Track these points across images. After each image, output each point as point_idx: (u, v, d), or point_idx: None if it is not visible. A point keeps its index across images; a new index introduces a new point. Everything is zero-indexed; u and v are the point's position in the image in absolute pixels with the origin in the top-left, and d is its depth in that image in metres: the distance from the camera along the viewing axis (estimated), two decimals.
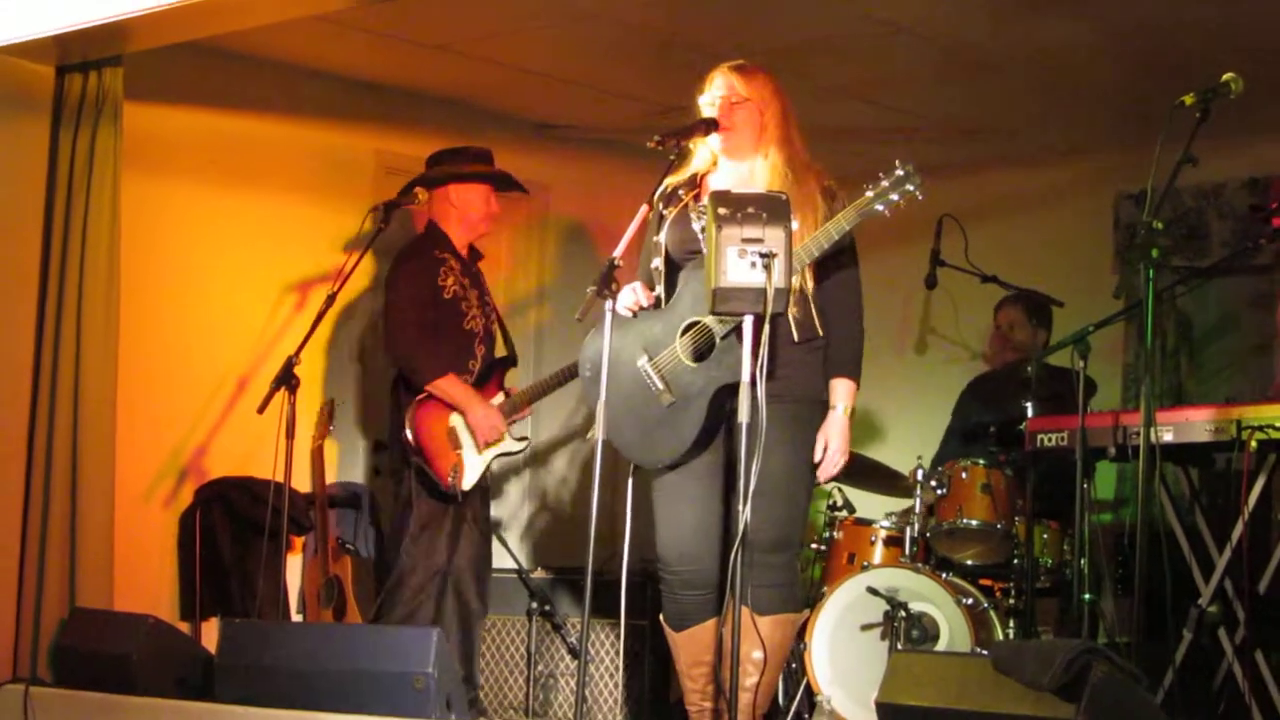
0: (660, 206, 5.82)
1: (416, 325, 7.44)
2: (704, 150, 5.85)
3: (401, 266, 7.60)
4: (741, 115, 5.79)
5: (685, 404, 5.64)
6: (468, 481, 7.31)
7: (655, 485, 5.84)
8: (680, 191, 5.83)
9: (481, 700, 7.51)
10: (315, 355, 7.63)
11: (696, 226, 5.73)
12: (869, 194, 5.48)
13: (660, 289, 5.84)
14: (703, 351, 5.60)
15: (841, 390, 5.77)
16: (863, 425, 8.43)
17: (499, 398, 7.47)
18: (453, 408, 7.37)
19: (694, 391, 5.62)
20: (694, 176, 5.86)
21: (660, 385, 5.68)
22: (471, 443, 7.35)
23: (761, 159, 5.78)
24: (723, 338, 5.57)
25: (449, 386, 7.34)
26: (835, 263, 5.72)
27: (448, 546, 7.39)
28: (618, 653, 7.68)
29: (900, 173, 5.47)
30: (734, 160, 5.83)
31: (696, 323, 5.61)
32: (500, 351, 7.70)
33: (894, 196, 5.48)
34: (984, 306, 8.68)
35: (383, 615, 7.43)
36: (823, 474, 5.77)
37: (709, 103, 5.83)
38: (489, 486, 7.66)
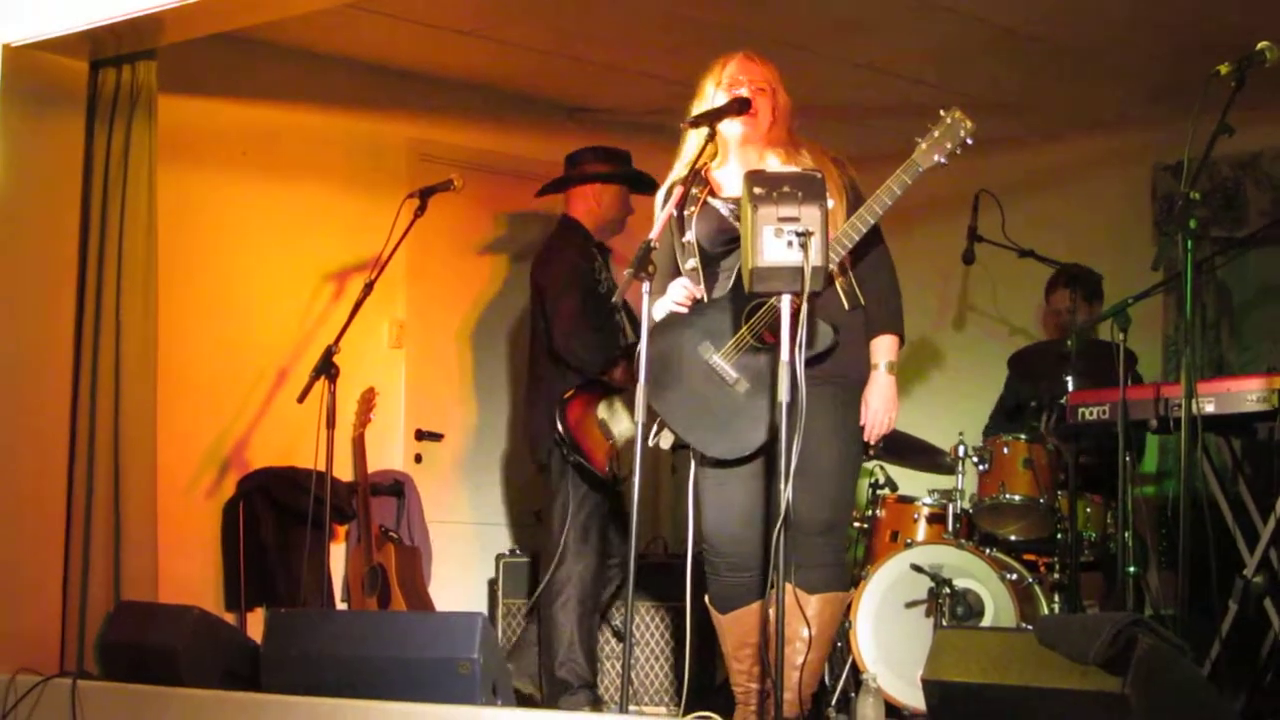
0: (675, 209, 5.79)
1: (584, 317, 7.50)
2: (694, 139, 5.82)
3: (557, 260, 7.65)
4: (763, 102, 5.80)
5: (761, 388, 5.62)
6: (629, 462, 7.35)
7: (703, 471, 5.83)
8: (695, 191, 5.81)
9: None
10: (354, 344, 7.62)
11: (725, 213, 5.73)
12: (922, 146, 5.54)
13: (701, 288, 5.82)
14: (768, 333, 5.56)
15: (883, 347, 5.77)
16: (904, 402, 8.36)
17: None
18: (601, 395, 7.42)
19: (769, 373, 5.55)
20: (696, 172, 5.80)
21: (734, 375, 5.65)
22: (624, 428, 7.34)
23: (769, 149, 5.79)
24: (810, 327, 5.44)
25: (620, 375, 7.39)
26: (865, 238, 5.69)
27: (602, 538, 7.48)
28: (664, 636, 7.70)
29: (949, 120, 5.54)
30: (746, 146, 5.82)
31: (761, 304, 5.58)
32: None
33: (947, 144, 5.55)
34: (1022, 281, 8.67)
35: (540, 607, 7.56)
36: (869, 435, 5.75)
37: (727, 82, 5.82)
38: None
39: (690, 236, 5.81)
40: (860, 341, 5.78)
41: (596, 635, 7.51)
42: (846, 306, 5.67)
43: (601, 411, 7.38)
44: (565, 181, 7.84)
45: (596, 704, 7.31)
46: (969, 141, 5.58)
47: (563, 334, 7.56)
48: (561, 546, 7.43)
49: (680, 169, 5.83)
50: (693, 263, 5.83)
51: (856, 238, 5.55)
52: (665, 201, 5.82)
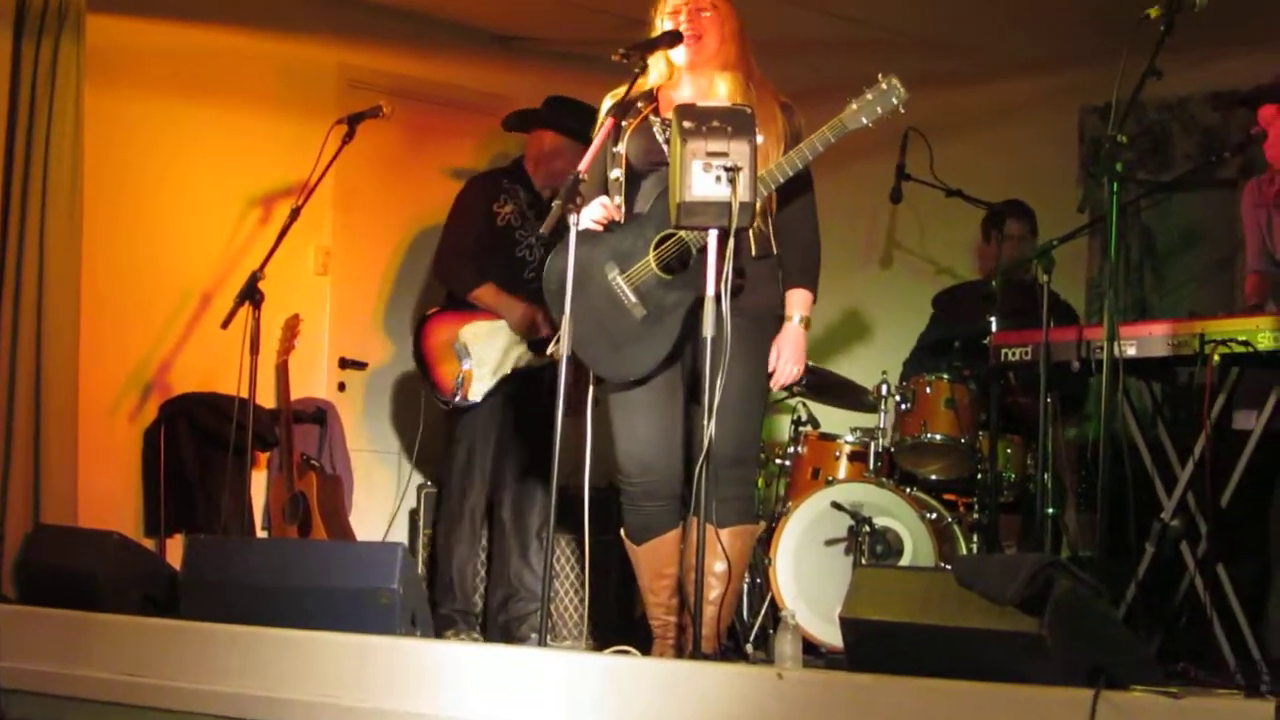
0: (619, 123, 5.79)
1: (459, 241, 7.73)
2: (659, 63, 5.83)
3: (465, 189, 7.94)
4: (705, 25, 5.78)
5: (658, 318, 5.63)
6: (476, 392, 7.37)
7: (613, 399, 5.85)
8: (639, 104, 5.81)
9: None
10: (279, 270, 7.59)
11: (657, 137, 5.73)
12: (853, 106, 5.55)
13: (620, 200, 5.81)
14: (674, 265, 5.59)
15: (797, 300, 5.77)
16: (828, 340, 8.44)
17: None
18: (477, 317, 7.57)
19: (669, 304, 5.61)
20: (650, 91, 5.83)
21: (633, 299, 5.67)
22: (486, 353, 7.40)
23: (719, 73, 5.78)
24: (699, 250, 5.50)
25: (486, 294, 7.58)
26: (791, 182, 5.68)
27: (484, 460, 7.55)
28: (581, 569, 7.72)
29: (884, 86, 5.56)
30: (694, 74, 5.82)
31: (671, 235, 5.58)
32: None
33: (878, 109, 5.55)
34: (950, 221, 8.70)
35: (436, 536, 7.77)
36: (775, 383, 5.77)
37: (670, 12, 5.80)
38: (531, 406, 7.63)
39: (620, 148, 5.81)
40: (767, 283, 5.78)
41: (473, 568, 7.61)
42: (754, 254, 5.66)
43: (466, 336, 7.50)
44: (531, 120, 7.91)
45: (472, 624, 7.49)
46: (901, 110, 5.59)
47: (437, 255, 7.98)
48: (448, 479, 7.54)
49: (608, 101, 5.82)
50: (616, 173, 5.84)
51: (773, 185, 5.54)
52: (598, 130, 5.81)
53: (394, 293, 8.84)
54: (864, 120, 5.55)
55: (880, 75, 5.59)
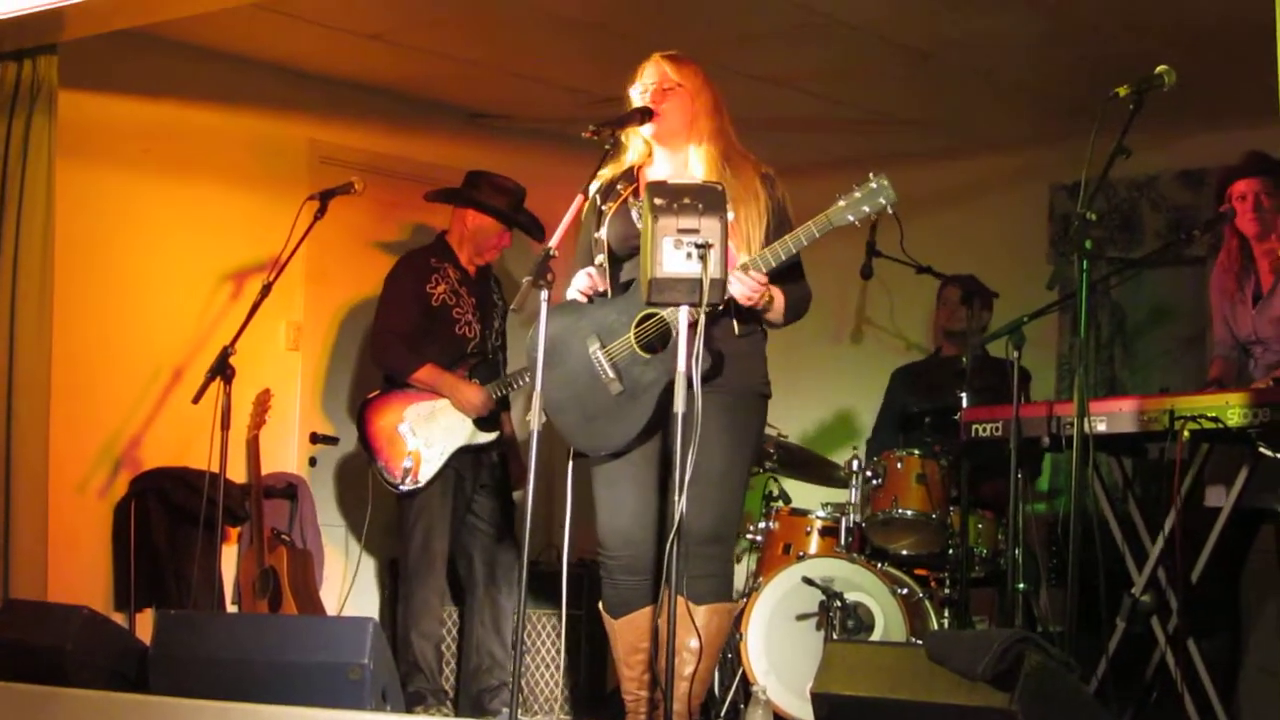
0: (598, 201, 5.83)
1: (393, 325, 7.74)
2: (638, 141, 5.86)
3: (393, 271, 7.92)
4: (673, 101, 5.79)
5: (634, 395, 5.63)
6: (427, 472, 7.39)
7: (595, 471, 5.84)
8: (619, 186, 5.84)
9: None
10: (251, 345, 7.60)
11: (637, 220, 5.74)
12: (840, 204, 5.55)
13: (606, 282, 5.83)
14: (655, 344, 5.61)
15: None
16: (799, 415, 8.44)
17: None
18: (421, 398, 7.60)
19: (645, 383, 5.61)
20: (630, 170, 5.87)
21: (611, 374, 5.68)
22: (432, 434, 7.42)
23: (695, 148, 5.80)
24: (680, 329, 5.50)
25: (426, 375, 7.60)
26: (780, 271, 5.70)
27: (441, 536, 7.56)
28: (556, 643, 7.71)
29: (873, 185, 5.55)
30: (668, 150, 5.84)
31: (653, 314, 5.59)
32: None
33: (865, 208, 5.55)
34: (919, 297, 8.73)
35: (399, 600, 7.76)
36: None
37: (641, 91, 5.84)
38: (492, 480, 7.76)
39: (602, 234, 5.83)
40: (752, 358, 5.78)
41: (436, 640, 7.61)
42: (737, 331, 5.67)
43: (411, 418, 7.57)
44: (452, 198, 7.94)
45: (443, 701, 7.48)
46: (890, 211, 5.60)
47: (372, 340, 8.03)
48: (406, 560, 7.56)
49: (600, 176, 5.86)
50: (600, 258, 5.86)
51: (765, 266, 5.56)
52: (586, 197, 5.85)
53: (366, 368, 8.83)
54: (850, 218, 5.54)
55: (871, 174, 5.57)
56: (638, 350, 5.64)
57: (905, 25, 7.66)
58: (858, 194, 5.55)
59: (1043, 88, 8.27)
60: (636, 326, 5.64)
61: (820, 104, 8.58)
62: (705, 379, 5.21)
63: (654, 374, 5.60)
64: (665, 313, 5.54)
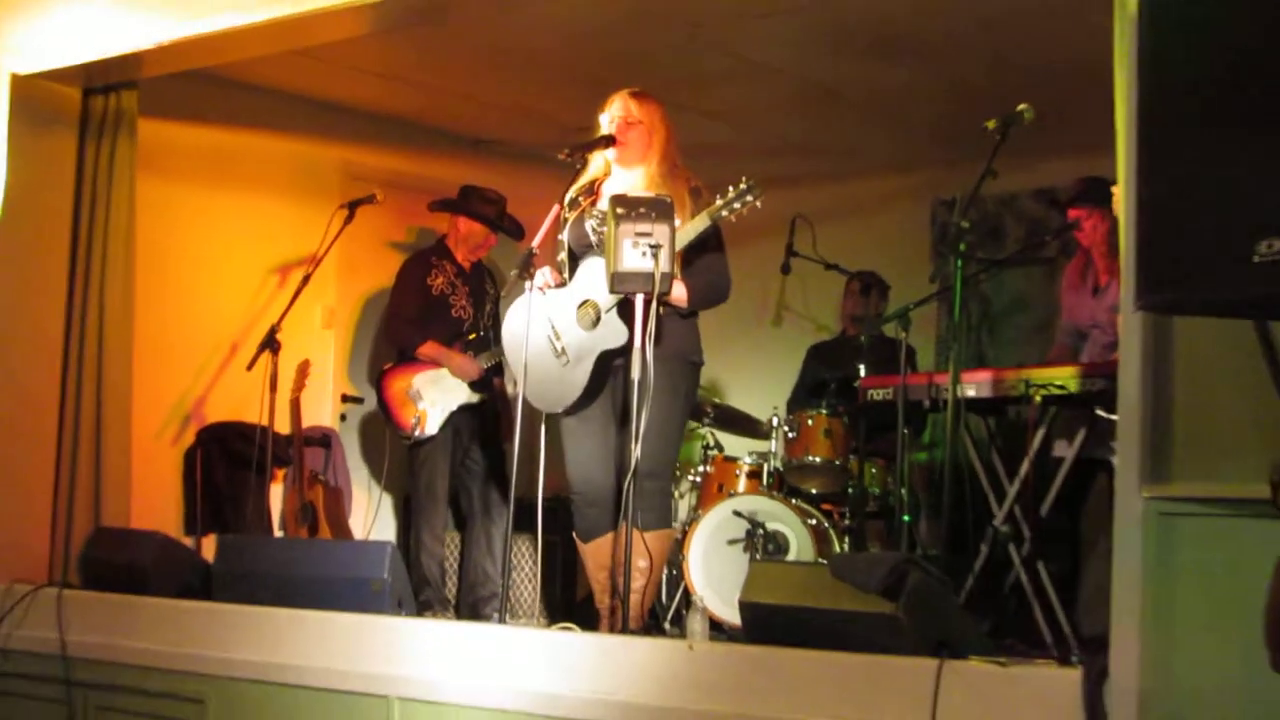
0: (566, 211, 5.88)
1: (403, 310, 7.75)
2: (599, 159, 5.91)
3: (403, 268, 7.91)
4: (634, 133, 5.85)
5: (576, 363, 5.75)
6: (431, 426, 7.40)
7: (562, 425, 5.94)
8: (580, 199, 5.88)
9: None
10: (293, 324, 7.60)
11: (588, 226, 5.81)
12: (719, 202, 5.64)
13: (565, 276, 5.90)
14: (589, 324, 5.70)
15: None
16: (730, 382, 8.45)
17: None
18: (426, 367, 7.57)
19: (584, 353, 5.75)
20: (592, 183, 5.91)
21: (559, 347, 5.76)
22: (436, 396, 7.43)
23: (645, 169, 5.85)
24: (606, 311, 5.68)
25: (429, 350, 7.58)
26: (703, 248, 5.80)
27: (443, 477, 7.57)
28: (536, 563, 7.75)
29: (744, 186, 5.66)
30: (624, 168, 5.89)
31: (587, 300, 5.69)
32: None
33: (736, 205, 5.66)
34: (828, 288, 8.73)
35: (410, 528, 7.75)
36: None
37: (609, 120, 5.87)
38: (484, 432, 7.73)
39: (564, 236, 5.91)
40: (687, 334, 5.86)
41: (440, 559, 7.60)
42: (676, 313, 5.76)
43: (418, 383, 7.55)
44: (450, 207, 7.93)
45: (447, 607, 7.51)
46: (758, 205, 5.67)
47: (385, 323, 8.13)
48: (416, 497, 7.57)
49: (571, 193, 5.90)
50: (561, 255, 5.97)
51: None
52: (561, 208, 5.91)
53: (383, 344, 8.83)
54: (724, 214, 5.66)
55: (743, 177, 5.68)
56: (578, 329, 5.73)
57: (817, 70, 7.67)
58: (731, 193, 5.65)
59: (927, 120, 8.28)
60: (578, 309, 5.73)
61: (747, 133, 8.58)
62: (616, 355, 5.37)
63: (589, 345, 5.73)
64: (595, 298, 5.71)
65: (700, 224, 5.64)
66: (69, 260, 7.10)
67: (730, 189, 5.66)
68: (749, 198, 5.65)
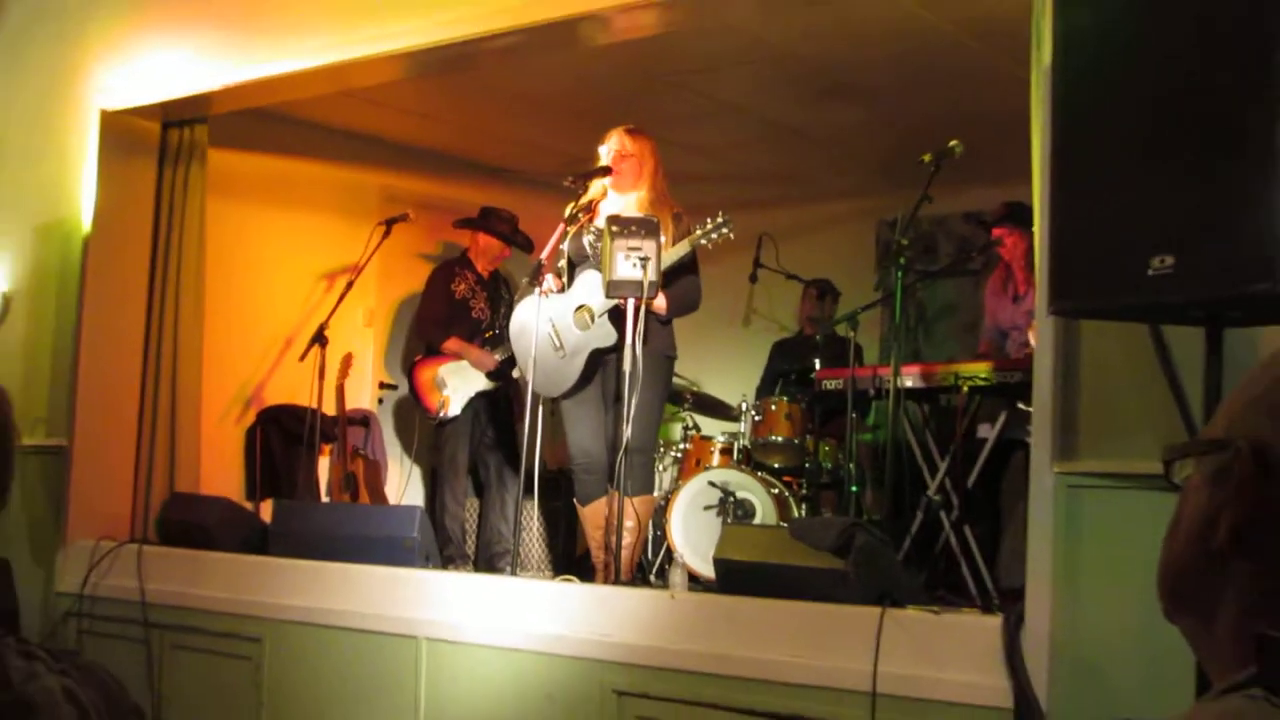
0: (567, 226, 5.92)
1: (431, 312, 7.74)
2: (598, 184, 5.93)
3: (431, 276, 7.91)
4: (627, 165, 5.88)
5: (572, 357, 5.84)
6: (454, 409, 7.41)
7: (564, 408, 6.02)
8: (579, 215, 5.91)
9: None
10: (339, 322, 7.60)
11: (585, 241, 5.87)
12: (698, 232, 5.79)
13: (564, 282, 6.00)
14: (584, 325, 5.77)
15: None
16: (706, 373, 8.44)
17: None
18: (450, 359, 7.55)
19: (578, 349, 5.84)
20: (590, 202, 5.93)
21: (559, 343, 5.82)
22: (458, 384, 7.42)
23: (637, 194, 5.89)
24: (599, 315, 5.76)
25: (452, 345, 7.56)
26: (681, 268, 5.84)
27: (464, 452, 7.54)
28: (543, 525, 7.77)
29: (720, 220, 5.81)
30: (619, 193, 5.92)
31: (583, 305, 5.78)
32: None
33: (714, 234, 5.79)
34: (789, 295, 8.74)
35: (435, 495, 7.74)
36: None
37: (607, 152, 5.91)
38: (499, 414, 7.70)
39: (565, 247, 5.94)
40: (665, 334, 5.92)
41: (461, 521, 7.58)
42: (657, 318, 5.81)
43: (443, 373, 7.53)
44: (471, 225, 7.93)
45: (466, 562, 7.45)
46: (730, 236, 5.80)
47: (416, 322, 8.12)
48: (441, 469, 7.58)
49: (570, 209, 5.92)
50: (561, 264, 6.00)
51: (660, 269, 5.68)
52: (566, 225, 5.94)
53: (414, 340, 8.80)
54: (703, 242, 5.77)
55: (720, 212, 5.80)
56: (574, 329, 5.79)
57: (781, 112, 7.69)
58: (709, 224, 5.79)
59: (872, 154, 8.28)
60: (575, 312, 5.79)
61: (722, 164, 8.58)
62: (608, 352, 5.47)
63: (583, 343, 5.82)
64: (590, 303, 5.78)
65: (682, 249, 5.74)
66: (149, 268, 7.09)
67: (708, 221, 5.76)
68: (724, 230, 5.79)
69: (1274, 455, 1.25)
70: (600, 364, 5.86)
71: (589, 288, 5.77)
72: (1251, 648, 1.20)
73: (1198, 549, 1.30)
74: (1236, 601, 1.27)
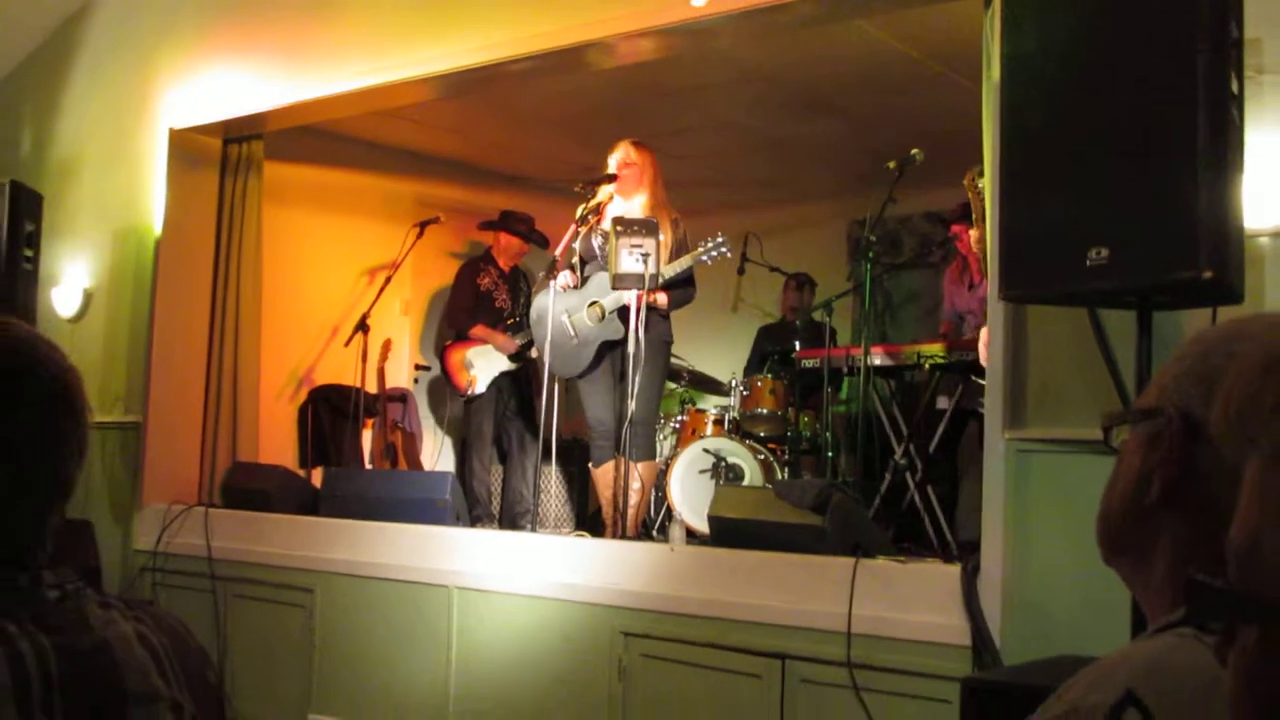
0: (578, 226, 5.91)
1: (459, 303, 7.72)
2: (605, 189, 5.93)
3: (459, 271, 7.90)
4: (630, 172, 5.88)
5: (584, 345, 5.88)
6: (480, 386, 7.41)
7: (580, 385, 6.04)
8: (589, 218, 5.91)
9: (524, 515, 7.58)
10: (379, 312, 7.60)
11: (594, 242, 5.88)
12: (699, 249, 5.84)
13: (577, 278, 6.02)
14: (597, 317, 5.78)
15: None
16: (703, 354, 8.42)
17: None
18: (476, 343, 7.53)
19: (590, 339, 5.88)
20: (598, 205, 5.93)
21: (573, 332, 5.82)
22: (484, 365, 7.41)
23: (639, 199, 5.88)
24: (609, 312, 5.80)
25: (478, 331, 7.56)
26: (682, 279, 5.88)
27: (489, 424, 7.53)
28: (563, 486, 7.77)
29: (719, 239, 5.87)
30: (624, 198, 5.92)
31: (595, 301, 5.79)
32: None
33: (714, 253, 5.84)
34: (772, 285, 8.72)
35: (465, 462, 7.71)
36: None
37: (613, 162, 5.92)
38: (519, 390, 7.67)
39: (576, 245, 5.94)
40: (664, 323, 5.92)
41: (487, 485, 7.56)
42: (650, 307, 5.78)
43: (470, 355, 7.52)
44: (493, 226, 7.92)
45: (492, 520, 7.45)
46: (728, 254, 5.88)
47: (446, 311, 8.07)
48: (469, 438, 7.57)
49: (580, 211, 5.92)
50: (574, 260, 6.01)
51: (662, 281, 5.68)
52: (578, 226, 5.93)
53: (444, 327, 8.82)
54: (704, 259, 5.80)
55: (719, 233, 5.86)
56: (587, 321, 5.79)
57: (767, 126, 7.66)
58: (709, 243, 5.84)
59: (845, 161, 8.26)
60: (588, 307, 5.80)
61: (714, 171, 8.56)
62: (615, 343, 5.47)
63: (595, 335, 5.85)
64: (602, 300, 5.80)
65: (685, 263, 5.75)
66: (213, 267, 7.08)
67: (708, 240, 5.80)
68: (723, 249, 5.84)
69: (1200, 420, 1.24)
70: (609, 350, 5.86)
71: (601, 287, 5.83)
72: (1181, 591, 1.19)
73: (1133, 504, 1.29)
74: (1168, 550, 1.27)
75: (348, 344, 7.45)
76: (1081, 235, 3.14)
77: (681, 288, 5.88)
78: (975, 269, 6.76)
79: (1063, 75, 3.25)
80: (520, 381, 7.66)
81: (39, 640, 1.45)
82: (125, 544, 6.71)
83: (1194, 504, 1.25)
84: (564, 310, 5.90)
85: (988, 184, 4.08)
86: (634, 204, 5.88)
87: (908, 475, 6.13)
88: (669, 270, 5.67)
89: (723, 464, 6.56)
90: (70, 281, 7.26)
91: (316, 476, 7.13)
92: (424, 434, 8.46)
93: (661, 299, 5.75)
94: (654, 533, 6.74)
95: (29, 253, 6.28)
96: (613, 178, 5.88)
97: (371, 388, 7.61)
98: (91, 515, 6.71)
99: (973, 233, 5.94)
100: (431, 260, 8.64)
